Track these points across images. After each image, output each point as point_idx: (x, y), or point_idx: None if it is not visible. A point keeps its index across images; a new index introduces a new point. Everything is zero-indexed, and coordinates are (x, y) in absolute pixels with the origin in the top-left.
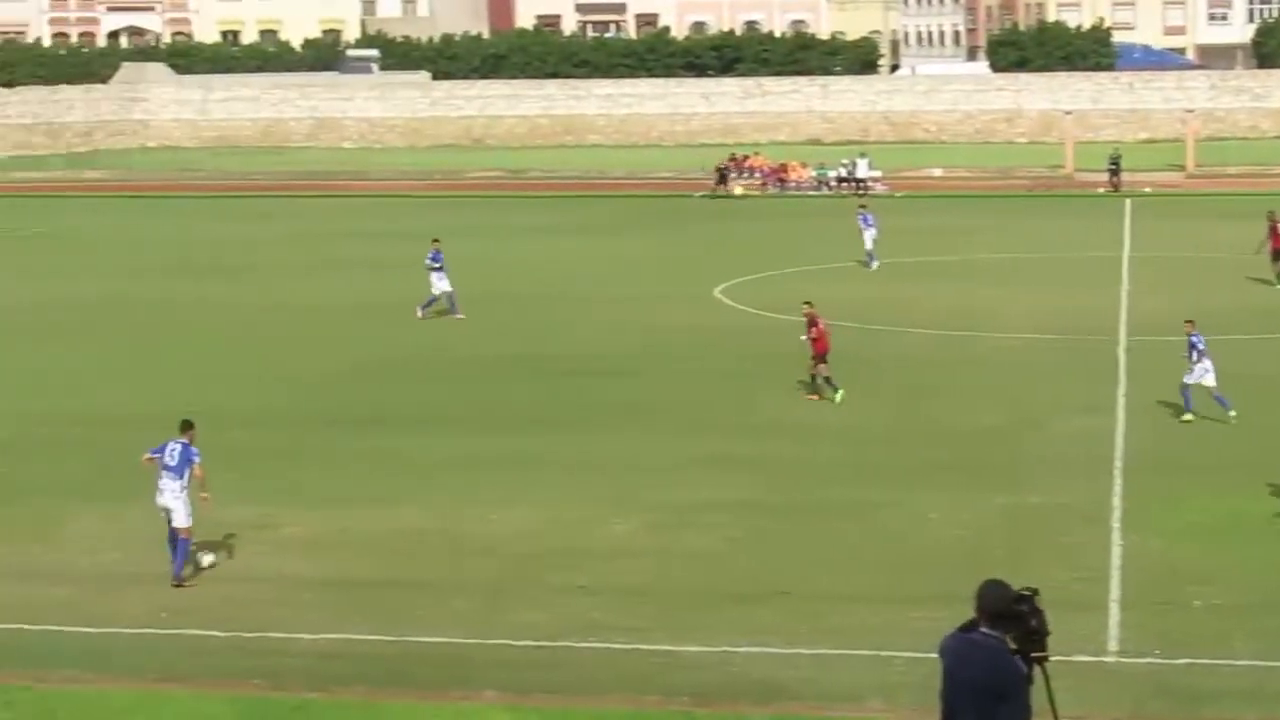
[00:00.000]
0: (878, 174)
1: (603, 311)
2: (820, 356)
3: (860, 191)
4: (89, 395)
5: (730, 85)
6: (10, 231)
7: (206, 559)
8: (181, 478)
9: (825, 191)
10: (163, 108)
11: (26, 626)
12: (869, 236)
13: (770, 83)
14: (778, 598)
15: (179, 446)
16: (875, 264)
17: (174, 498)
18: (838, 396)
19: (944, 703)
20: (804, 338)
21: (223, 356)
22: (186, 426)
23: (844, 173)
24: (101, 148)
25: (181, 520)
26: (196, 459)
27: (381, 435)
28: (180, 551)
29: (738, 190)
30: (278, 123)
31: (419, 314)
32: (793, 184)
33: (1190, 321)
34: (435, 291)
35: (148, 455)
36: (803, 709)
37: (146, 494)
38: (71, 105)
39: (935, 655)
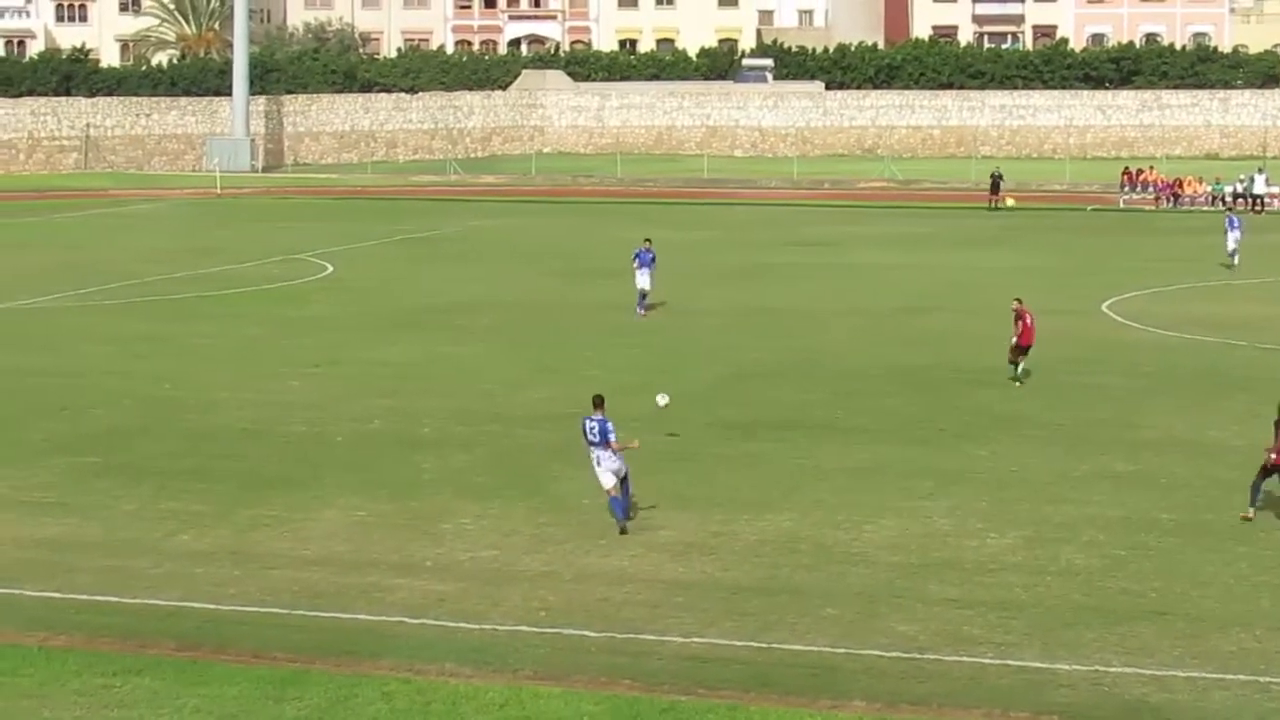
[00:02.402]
0: (1276, 190)
1: (986, 323)
2: (1023, 349)
3: (1257, 209)
4: (502, 395)
5: (1127, 98)
6: (407, 233)
7: (662, 399)
8: (607, 447)
9: (1220, 207)
10: (559, 114)
11: (407, 620)
12: (1232, 239)
13: (1168, 96)
14: (1155, 618)
15: (595, 424)
16: (1236, 265)
17: (609, 462)
18: (1016, 385)
19: None
20: (1014, 338)
21: (609, 357)
22: (599, 403)
23: (1240, 188)
24: (498, 153)
25: (609, 481)
26: (611, 434)
27: (754, 441)
28: (617, 505)
29: (1009, 202)
30: (671, 130)
31: (638, 314)
32: (1187, 199)
33: None
34: (644, 287)
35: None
36: None
37: (537, 492)
38: (471, 111)
39: None
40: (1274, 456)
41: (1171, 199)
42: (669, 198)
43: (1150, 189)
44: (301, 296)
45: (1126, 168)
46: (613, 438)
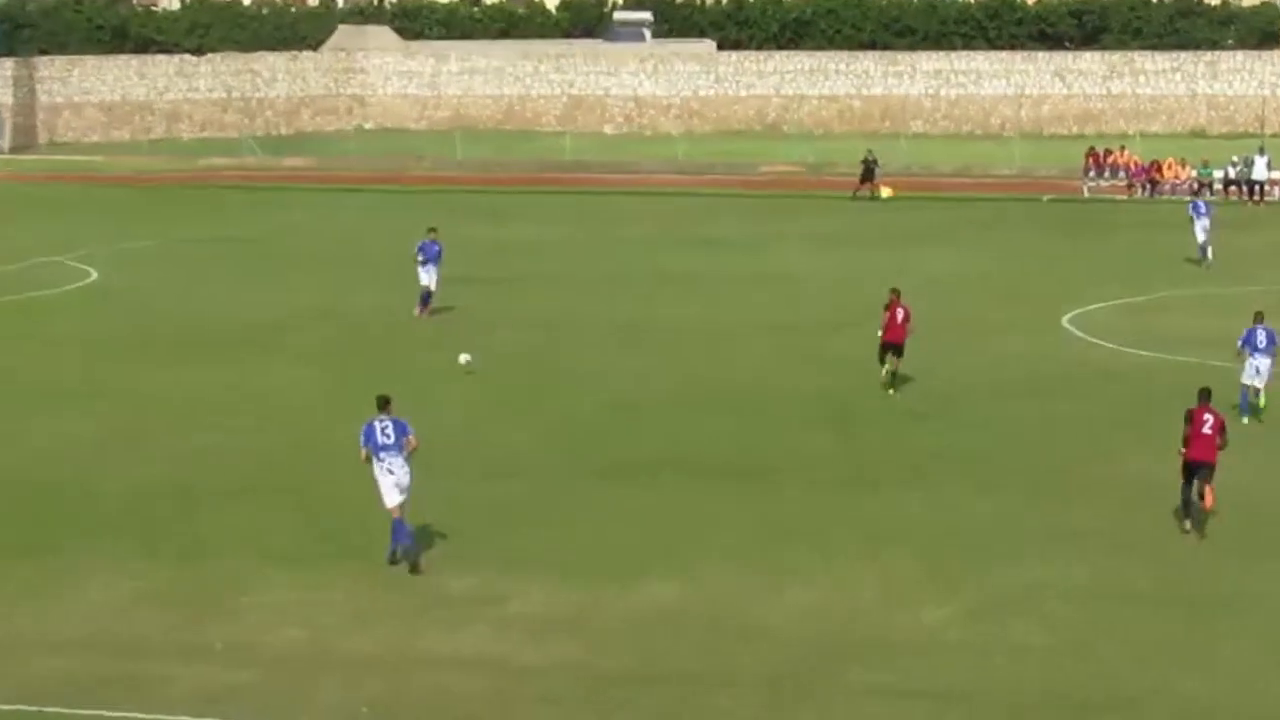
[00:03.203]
0: (1277, 175)
1: (925, 340)
2: (891, 347)
3: (1255, 198)
4: (317, 432)
5: (1092, 61)
6: (193, 231)
7: (464, 358)
8: (402, 451)
9: (1209, 197)
10: (384, 81)
11: None
12: (1200, 228)
13: (1143, 58)
14: (1128, 709)
15: (390, 423)
16: (1209, 260)
17: (401, 473)
18: (890, 393)
19: None
20: (879, 331)
21: (457, 384)
22: (385, 404)
23: (1234, 173)
24: (308, 129)
25: (394, 499)
26: (411, 431)
27: (632, 488)
28: (401, 531)
29: (885, 192)
30: (524, 101)
31: (417, 313)
32: (1167, 187)
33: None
34: (428, 285)
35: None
36: None
37: (360, 555)
38: (274, 77)
39: None
40: (1183, 451)
41: (1147, 186)
42: (523, 185)
43: (1121, 174)
44: (58, 311)
45: (1092, 148)
46: (412, 434)
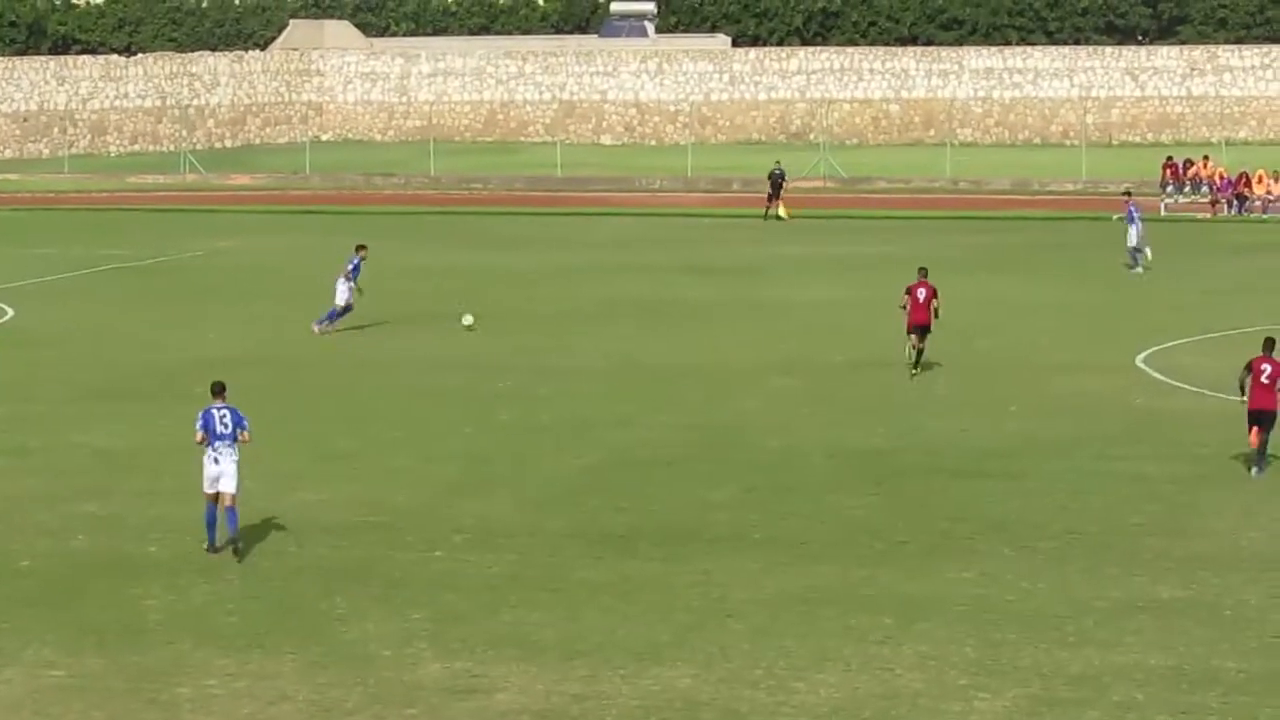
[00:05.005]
0: None
1: (972, 385)
2: (917, 328)
3: None
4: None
5: (1169, 57)
6: (122, 260)
7: (467, 319)
8: (236, 442)
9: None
10: (345, 85)
11: None
12: (1134, 232)
13: (1229, 53)
14: None
15: (227, 411)
16: (1140, 268)
17: (229, 463)
18: (913, 374)
19: None
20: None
21: (427, 438)
22: (220, 390)
23: None
24: (256, 142)
25: (228, 486)
26: (245, 423)
27: (635, 559)
28: (231, 517)
29: (783, 212)
30: (508, 107)
31: (315, 328)
32: (1258, 203)
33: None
34: (342, 302)
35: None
36: None
37: (314, 639)
38: (215, 81)
39: None
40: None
41: (1235, 202)
42: (507, 205)
43: (1204, 188)
44: None
45: (1170, 158)
46: (247, 426)
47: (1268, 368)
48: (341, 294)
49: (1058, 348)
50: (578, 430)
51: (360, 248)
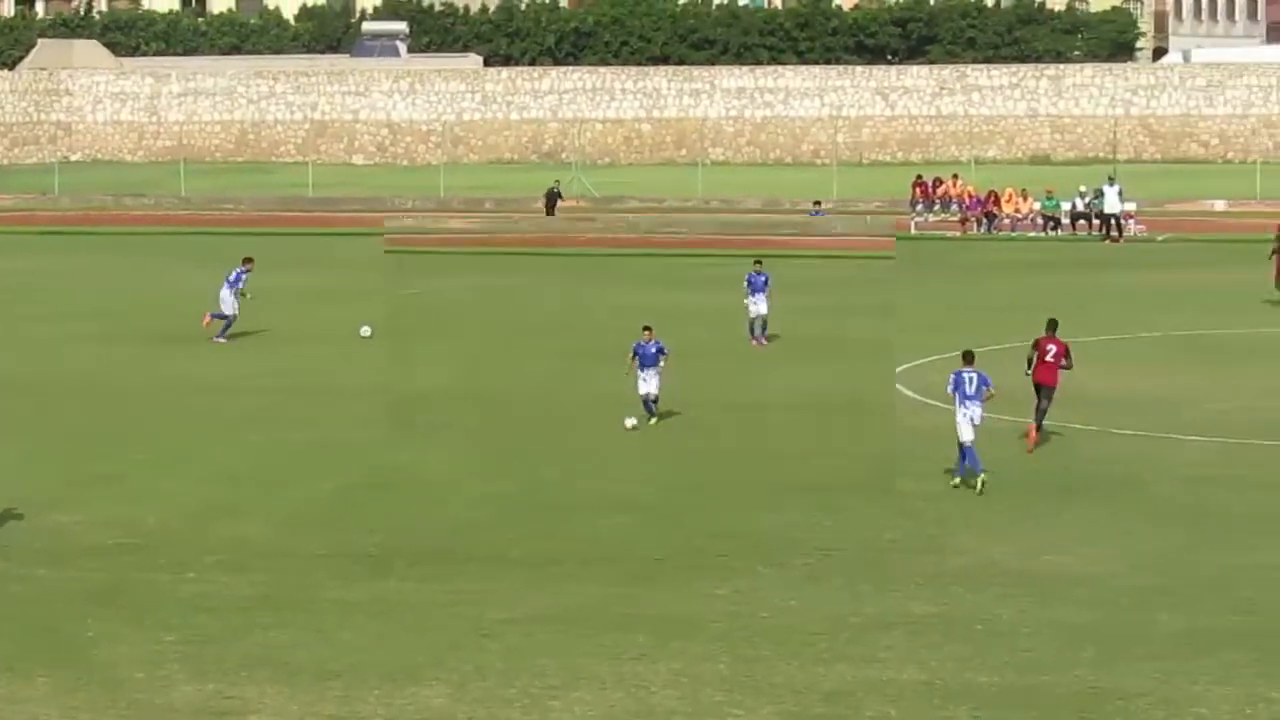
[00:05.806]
0: (1132, 207)
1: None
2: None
3: (1113, 235)
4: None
5: (919, 76)
6: None
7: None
8: None
9: (1056, 234)
10: (94, 105)
11: None
12: (755, 306)
13: (977, 73)
14: None
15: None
16: (764, 340)
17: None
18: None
19: None
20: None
21: (188, 459)
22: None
23: (1083, 205)
24: (2, 163)
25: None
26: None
27: (390, 579)
28: None
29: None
30: (259, 127)
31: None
32: (1007, 221)
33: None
34: (228, 311)
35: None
36: None
37: (66, 661)
38: None
39: None
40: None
41: (984, 221)
42: (260, 226)
43: (954, 206)
44: None
45: (919, 177)
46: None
47: (1052, 347)
48: (228, 304)
49: (809, 366)
50: (336, 449)
51: (247, 260)
